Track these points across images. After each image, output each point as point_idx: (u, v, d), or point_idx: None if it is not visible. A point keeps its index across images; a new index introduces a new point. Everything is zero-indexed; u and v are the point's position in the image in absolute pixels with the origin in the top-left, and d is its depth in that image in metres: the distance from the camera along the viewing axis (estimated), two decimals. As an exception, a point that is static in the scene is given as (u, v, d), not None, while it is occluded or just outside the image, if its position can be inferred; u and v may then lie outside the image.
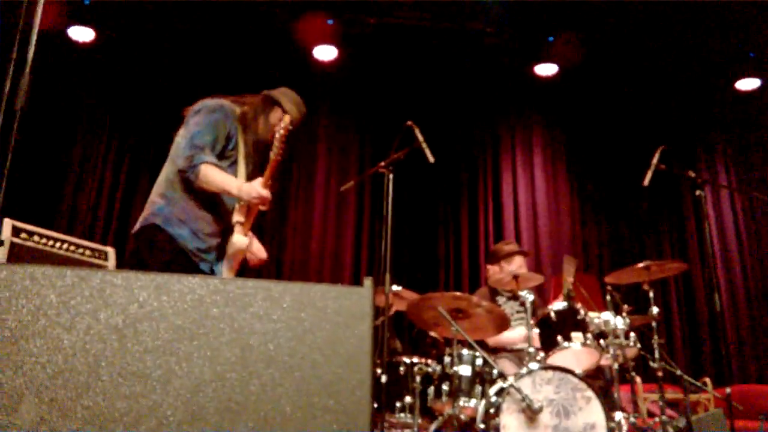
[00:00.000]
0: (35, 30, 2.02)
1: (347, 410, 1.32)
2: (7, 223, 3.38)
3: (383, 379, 3.32)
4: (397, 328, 4.07)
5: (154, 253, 2.57)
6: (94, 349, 1.27)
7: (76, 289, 1.32)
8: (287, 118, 2.74)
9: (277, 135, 2.67)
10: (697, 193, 3.88)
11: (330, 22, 5.93)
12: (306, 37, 6.03)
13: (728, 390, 3.42)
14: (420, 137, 3.69)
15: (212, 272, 2.72)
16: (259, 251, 2.90)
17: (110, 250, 4.00)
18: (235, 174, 2.76)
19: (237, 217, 2.75)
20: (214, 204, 2.72)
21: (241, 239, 2.73)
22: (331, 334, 1.38)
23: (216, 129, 2.67)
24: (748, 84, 6.45)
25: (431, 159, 3.72)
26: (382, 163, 3.55)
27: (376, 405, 3.42)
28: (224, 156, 2.72)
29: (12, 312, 1.27)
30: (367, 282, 1.44)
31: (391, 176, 3.53)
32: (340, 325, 1.38)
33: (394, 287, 3.82)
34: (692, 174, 4.32)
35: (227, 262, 2.75)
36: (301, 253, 6.27)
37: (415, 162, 3.84)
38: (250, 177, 2.80)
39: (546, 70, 6.41)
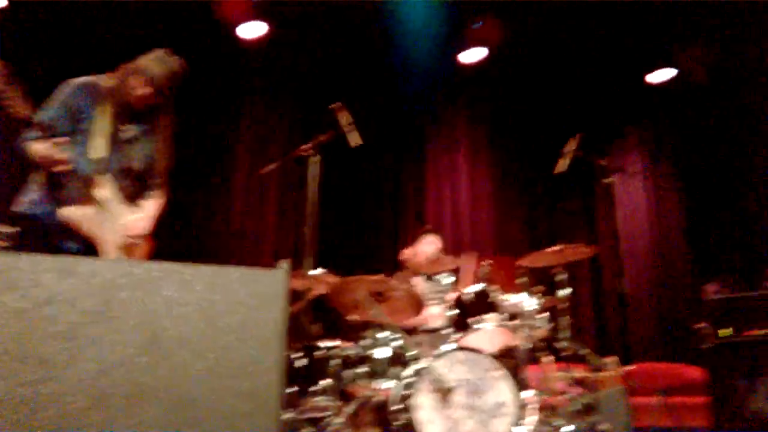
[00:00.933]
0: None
1: (258, 393, 1.34)
2: None
3: (301, 363, 3.35)
4: (317, 312, 4.09)
5: (29, 239, 2.60)
6: (-5, 334, 1.24)
7: (-24, 272, 1.27)
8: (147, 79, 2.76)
9: (136, 95, 2.74)
10: (608, 180, 4.07)
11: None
12: (230, 14, 5.89)
13: (629, 368, 3.64)
14: (345, 120, 3.70)
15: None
16: (134, 225, 2.85)
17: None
18: (85, 147, 2.74)
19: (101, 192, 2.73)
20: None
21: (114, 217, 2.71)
22: (244, 318, 1.39)
23: (57, 107, 2.69)
24: (660, 76, 6.76)
25: (354, 143, 3.75)
26: (306, 146, 3.54)
27: (293, 389, 3.45)
28: (77, 130, 2.72)
29: None
30: (282, 265, 1.46)
31: (315, 159, 3.54)
32: (253, 308, 1.40)
33: (315, 271, 3.84)
34: (604, 162, 4.54)
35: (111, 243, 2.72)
36: (222, 236, 6.17)
37: (343, 145, 3.85)
38: (119, 141, 2.82)
39: (471, 56, 6.50)
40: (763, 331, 4.37)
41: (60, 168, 2.59)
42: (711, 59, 6.40)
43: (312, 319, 3.85)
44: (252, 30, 6.06)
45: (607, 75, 6.85)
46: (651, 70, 6.74)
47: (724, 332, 4.51)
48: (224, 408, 1.31)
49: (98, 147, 2.76)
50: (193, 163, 6.14)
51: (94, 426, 1.24)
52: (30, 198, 2.70)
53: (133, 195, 2.93)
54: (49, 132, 2.57)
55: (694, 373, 5.54)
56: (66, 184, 2.67)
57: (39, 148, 2.56)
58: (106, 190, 2.76)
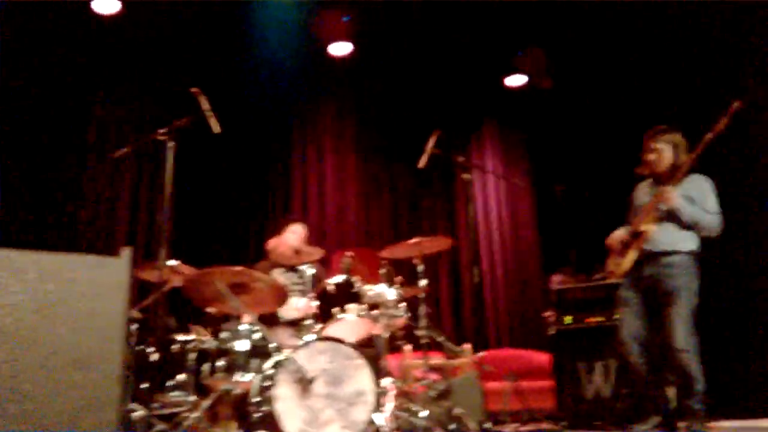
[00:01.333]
0: None
1: (96, 385, 1.27)
2: None
3: (156, 357, 3.21)
4: (172, 305, 3.93)
5: None
6: None
7: None
8: None
9: None
10: (466, 176, 4.25)
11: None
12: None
13: (481, 354, 3.83)
14: (205, 106, 3.58)
15: None
16: None
17: None
18: None
19: None
20: None
21: None
22: (81, 307, 1.31)
23: None
24: (516, 80, 7.16)
25: (216, 129, 3.63)
26: (162, 130, 3.39)
27: (147, 384, 3.30)
28: None
29: None
30: (124, 252, 1.39)
31: (171, 144, 3.39)
32: (91, 297, 1.32)
33: (171, 262, 3.69)
34: (461, 159, 4.74)
35: None
36: (71, 222, 5.75)
37: (206, 132, 3.71)
38: None
39: (339, 50, 6.52)
40: (599, 318, 4.80)
41: None
42: (553, 66, 6.89)
43: (167, 311, 3.70)
44: (107, 5, 5.67)
45: (468, 75, 7.15)
46: (509, 74, 7.12)
47: (567, 319, 4.90)
48: (61, 402, 1.23)
49: None
50: (42, 143, 5.68)
51: None
52: None
53: None
54: None
55: (540, 358, 5.96)
56: None
57: None
58: None
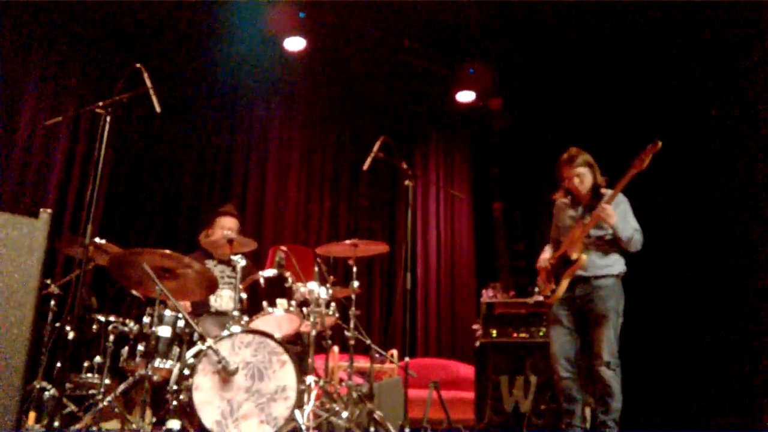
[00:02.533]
0: None
1: (0, 350, 1.20)
2: None
3: (71, 335, 3.08)
4: (96, 284, 3.79)
5: None
6: None
7: None
8: None
9: None
10: (407, 182, 4.26)
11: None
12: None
13: (406, 359, 3.83)
14: (148, 82, 3.47)
15: None
16: None
17: None
18: None
19: None
20: None
21: None
22: (-9, 266, 1.24)
23: None
24: (465, 96, 7.25)
25: (158, 108, 3.52)
26: (101, 104, 3.26)
27: (60, 363, 3.17)
28: None
29: None
30: (44, 214, 1.33)
31: (108, 119, 3.26)
32: (2, 256, 1.24)
33: (98, 239, 3.56)
34: (405, 165, 4.76)
35: None
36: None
37: (147, 113, 3.60)
38: None
39: (294, 45, 6.45)
40: (524, 335, 4.90)
41: None
42: (500, 86, 7.04)
43: (89, 290, 3.56)
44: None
45: (420, 85, 7.21)
46: (460, 89, 7.20)
47: (493, 333, 4.98)
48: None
49: None
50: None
51: None
52: None
53: None
54: None
55: (465, 369, 6.04)
56: None
57: None
58: None
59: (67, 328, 3.19)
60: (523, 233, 7.41)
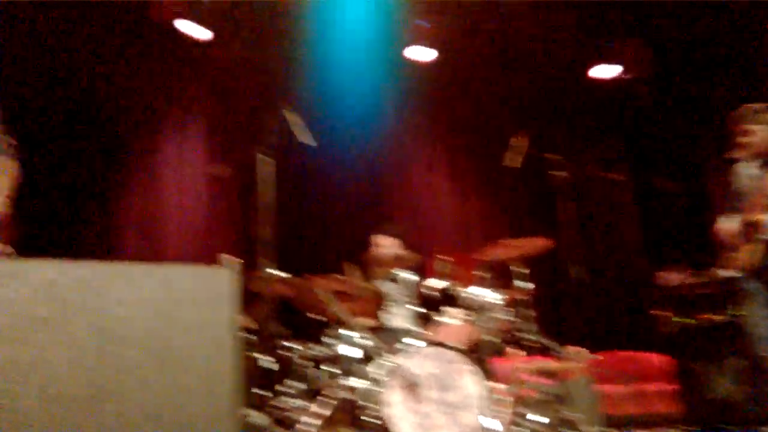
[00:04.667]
0: None
1: (213, 389, 1.29)
2: None
3: (267, 364, 3.28)
4: (279, 313, 4.02)
5: None
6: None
7: None
8: None
9: None
10: (560, 174, 4.10)
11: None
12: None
13: (595, 357, 3.66)
14: (295, 120, 3.66)
15: None
16: None
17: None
18: None
19: None
20: None
21: None
22: (194, 315, 1.34)
23: None
24: (604, 71, 6.84)
25: (310, 142, 3.70)
26: (257, 147, 3.49)
27: (260, 390, 3.38)
28: None
29: None
30: (229, 262, 1.42)
31: (266, 159, 3.48)
32: (203, 305, 1.35)
33: (273, 271, 3.77)
34: (555, 156, 4.59)
35: None
36: (175, 236, 6.06)
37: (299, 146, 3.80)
38: None
39: (419, 54, 6.49)
40: (721, 317, 4.48)
41: None
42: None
43: (274, 319, 3.78)
44: (193, 30, 5.95)
45: (553, 71, 6.93)
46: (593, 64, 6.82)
47: (683, 318, 4.60)
48: (178, 404, 1.26)
49: None
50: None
51: (51, 429, 1.17)
52: None
53: None
54: None
55: (659, 360, 5.64)
56: None
57: None
58: None
59: (260, 357, 3.42)
60: (691, 207, 6.84)
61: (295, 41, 6.23)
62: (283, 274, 3.82)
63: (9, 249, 2.73)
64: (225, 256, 1.43)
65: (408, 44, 6.37)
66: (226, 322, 1.33)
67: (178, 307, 1.34)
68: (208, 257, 6.00)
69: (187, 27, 5.87)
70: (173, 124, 6.46)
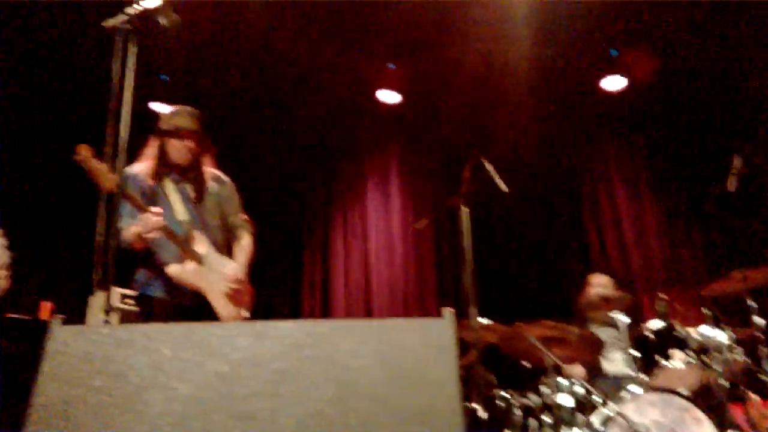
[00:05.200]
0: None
1: (441, 437, 1.36)
2: (115, 291, 3.65)
3: (482, 414, 3.31)
4: (489, 361, 4.04)
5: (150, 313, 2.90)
6: (205, 396, 1.39)
7: (184, 341, 1.44)
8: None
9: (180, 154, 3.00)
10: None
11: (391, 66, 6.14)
12: (373, 80, 6.26)
13: None
14: (489, 168, 3.74)
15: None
16: (232, 273, 3.05)
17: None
18: (171, 211, 2.96)
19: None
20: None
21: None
22: (418, 366, 1.44)
23: (124, 202, 2.78)
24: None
25: (504, 188, 3.75)
26: (454, 197, 3.62)
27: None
28: (153, 204, 2.90)
29: (134, 368, 1.41)
30: (447, 313, 1.50)
31: (465, 209, 3.58)
32: (425, 356, 1.44)
33: (482, 320, 3.82)
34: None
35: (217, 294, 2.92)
36: (385, 289, 6.40)
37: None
38: (192, 200, 3.07)
39: (613, 84, 6.31)
40: None
41: (155, 233, 2.77)
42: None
43: (486, 369, 3.81)
44: (389, 96, 6.38)
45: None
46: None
47: None
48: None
49: (178, 211, 3.00)
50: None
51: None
52: (139, 280, 2.98)
53: (223, 245, 3.14)
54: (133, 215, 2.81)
55: None
56: (162, 252, 2.92)
57: (130, 230, 2.79)
58: (201, 245, 2.99)
59: (477, 406, 3.45)
60: None
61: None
62: (490, 322, 3.86)
63: (246, 313, 3.12)
64: (445, 309, 1.52)
65: (603, 74, 6.23)
66: (449, 372, 1.41)
67: (401, 359, 1.44)
68: (414, 307, 6.27)
69: (382, 95, 6.35)
70: (375, 180, 6.94)
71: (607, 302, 3.81)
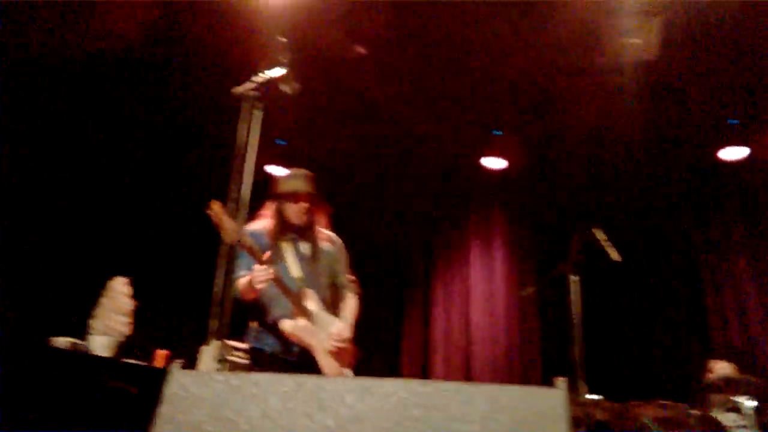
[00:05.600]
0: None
1: None
2: (227, 343, 3.78)
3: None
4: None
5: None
6: (311, 449, 1.40)
7: (294, 393, 1.47)
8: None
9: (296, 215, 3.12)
10: None
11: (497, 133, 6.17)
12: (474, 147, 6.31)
13: None
14: (601, 237, 3.63)
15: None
16: (339, 332, 3.08)
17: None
18: (286, 268, 3.07)
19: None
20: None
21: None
22: (528, 434, 1.38)
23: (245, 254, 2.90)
24: None
25: (617, 258, 3.63)
26: (563, 265, 3.52)
27: None
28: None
29: (243, 416, 1.45)
30: (560, 383, 1.44)
31: (574, 278, 3.48)
32: (534, 427, 1.38)
33: (591, 396, 3.63)
34: None
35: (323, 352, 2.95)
36: (486, 357, 6.25)
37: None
38: (306, 259, 3.17)
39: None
40: None
41: (268, 283, 2.84)
42: None
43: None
44: (495, 163, 6.40)
45: None
46: None
47: None
48: None
49: (292, 268, 3.09)
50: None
51: None
52: (251, 334, 3.08)
53: (330, 304, 3.19)
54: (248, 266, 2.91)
55: None
56: (275, 308, 3.01)
57: (243, 280, 2.90)
58: (312, 302, 3.04)
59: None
60: None
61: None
62: (599, 398, 3.66)
63: (349, 372, 3.14)
64: (558, 379, 1.47)
65: (720, 146, 5.95)
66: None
67: (512, 426, 1.40)
68: (516, 376, 6.06)
69: (488, 161, 6.39)
70: (478, 245, 6.90)
71: (731, 385, 3.52)
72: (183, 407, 1.49)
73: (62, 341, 3.74)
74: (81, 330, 4.01)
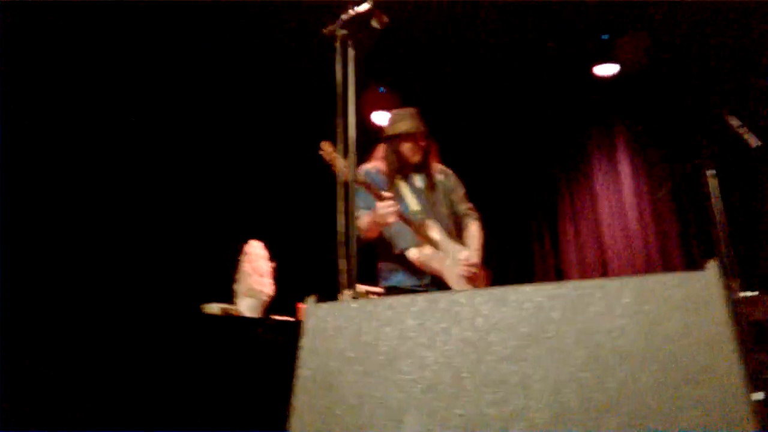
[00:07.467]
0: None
1: (720, 401, 1.21)
2: (360, 288, 3.87)
3: (758, 396, 2.93)
4: (758, 340, 3.55)
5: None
6: (454, 362, 1.40)
7: (428, 311, 1.47)
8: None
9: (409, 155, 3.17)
10: None
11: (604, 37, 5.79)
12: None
13: None
14: (736, 123, 3.34)
15: None
16: (467, 258, 3.10)
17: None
18: (405, 204, 3.11)
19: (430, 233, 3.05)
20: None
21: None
22: (681, 323, 1.30)
23: (362, 193, 2.94)
24: None
25: (754, 143, 3.33)
26: (698, 159, 3.28)
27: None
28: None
29: (382, 338, 1.47)
30: (711, 264, 1.33)
31: (711, 171, 3.23)
32: (690, 311, 1.29)
33: (745, 293, 3.39)
34: None
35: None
36: (624, 254, 6.07)
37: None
38: (423, 192, 3.20)
39: None
40: None
41: (392, 218, 2.86)
42: None
43: (757, 346, 3.36)
44: (607, 69, 6.02)
45: None
46: None
47: None
48: (684, 418, 1.22)
49: (411, 203, 3.13)
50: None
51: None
52: (381, 274, 3.15)
53: (455, 232, 3.19)
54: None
55: None
56: (399, 241, 3.03)
57: (365, 219, 2.96)
58: (435, 231, 3.00)
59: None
60: None
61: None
62: (755, 294, 3.41)
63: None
64: (710, 262, 1.37)
65: None
66: (721, 329, 1.26)
67: (660, 317, 1.32)
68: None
69: (599, 69, 6.03)
70: (602, 154, 6.62)
71: None
72: (324, 337, 1.53)
73: (214, 307, 3.97)
74: (225, 295, 4.22)
